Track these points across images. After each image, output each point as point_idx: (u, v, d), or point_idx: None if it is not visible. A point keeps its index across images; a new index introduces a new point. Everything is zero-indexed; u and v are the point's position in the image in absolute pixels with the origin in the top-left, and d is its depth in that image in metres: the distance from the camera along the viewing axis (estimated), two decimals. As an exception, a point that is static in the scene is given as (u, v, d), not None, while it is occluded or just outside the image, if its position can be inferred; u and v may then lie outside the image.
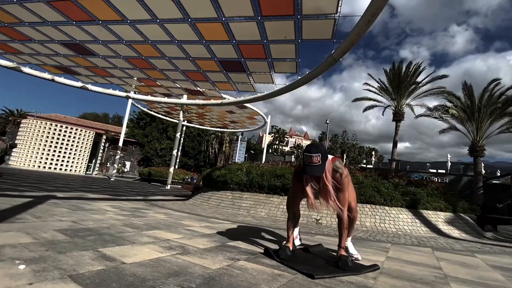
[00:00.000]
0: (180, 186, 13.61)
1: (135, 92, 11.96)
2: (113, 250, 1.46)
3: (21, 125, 15.23)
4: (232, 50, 6.77)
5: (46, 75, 10.23)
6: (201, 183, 6.93)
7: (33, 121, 15.46)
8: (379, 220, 3.75)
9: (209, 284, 1.08)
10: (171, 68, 8.36)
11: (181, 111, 12.46)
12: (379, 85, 18.33)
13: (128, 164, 28.91)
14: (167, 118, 21.02)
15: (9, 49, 8.37)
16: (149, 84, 10.40)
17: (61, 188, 5.76)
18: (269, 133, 60.43)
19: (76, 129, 16.12)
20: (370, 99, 20.10)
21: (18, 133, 15.32)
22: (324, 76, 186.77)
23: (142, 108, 20.13)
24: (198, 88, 10.08)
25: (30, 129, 15.06)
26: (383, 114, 20.77)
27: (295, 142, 70.55)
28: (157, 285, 0.99)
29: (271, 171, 4.75)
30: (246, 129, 22.79)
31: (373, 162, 29.02)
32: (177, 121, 20.77)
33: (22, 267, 1.08)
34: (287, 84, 8.17)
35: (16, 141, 14.75)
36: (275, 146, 50.13)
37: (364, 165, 20.21)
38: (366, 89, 20.00)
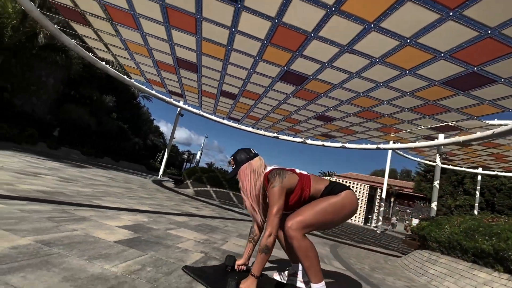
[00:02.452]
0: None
1: (394, 142, 12.02)
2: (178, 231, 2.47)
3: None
4: (448, 65, 5.31)
5: (319, 143, 14.02)
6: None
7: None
8: None
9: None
10: (397, 110, 7.95)
11: (438, 154, 10.15)
12: None
13: (416, 221, 26.34)
14: (453, 167, 17.27)
15: (296, 131, 13.06)
16: (389, 131, 10.30)
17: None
18: None
19: (352, 183, 18.94)
20: None
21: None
22: None
23: (415, 159, 18.70)
24: (447, 123, 8.18)
25: (325, 184, 20.42)
26: None
27: None
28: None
29: (486, 226, 2.64)
30: None
31: None
32: (475, 171, 16.13)
33: (146, 220, 2.52)
34: None
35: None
36: None
37: None
38: None
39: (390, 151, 15.56)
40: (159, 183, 9.27)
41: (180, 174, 21.25)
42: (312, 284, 1.46)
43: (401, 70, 5.84)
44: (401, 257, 4.54)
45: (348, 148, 13.17)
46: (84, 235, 1.66)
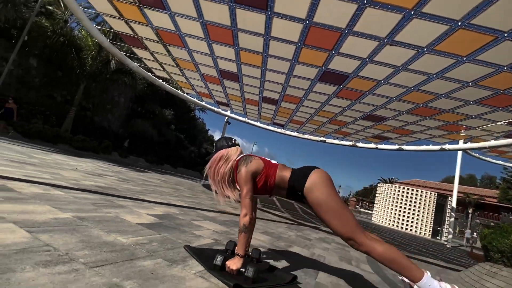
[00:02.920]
0: None
1: (464, 142, 10.40)
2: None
3: (377, 189, 19.50)
4: (518, 45, 4.52)
5: (371, 146, 13.05)
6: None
7: (384, 185, 19.02)
8: None
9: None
10: (460, 104, 7.00)
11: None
12: None
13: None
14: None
15: (344, 133, 12.42)
16: (455, 129, 9.03)
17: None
18: None
19: (415, 190, 16.78)
20: None
21: (376, 195, 19.64)
22: None
23: (497, 162, 15.76)
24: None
25: (382, 192, 18.64)
26: None
27: None
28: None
29: None
30: None
31: None
32: None
33: (176, 212, 2.78)
34: None
35: (375, 201, 18.99)
36: None
37: None
38: None
39: (459, 153, 13.40)
40: (207, 186, 9.92)
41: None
42: (415, 285, 1.35)
43: (456, 58, 5.16)
44: (460, 270, 3.89)
45: (406, 150, 11.90)
46: (115, 216, 1.97)
